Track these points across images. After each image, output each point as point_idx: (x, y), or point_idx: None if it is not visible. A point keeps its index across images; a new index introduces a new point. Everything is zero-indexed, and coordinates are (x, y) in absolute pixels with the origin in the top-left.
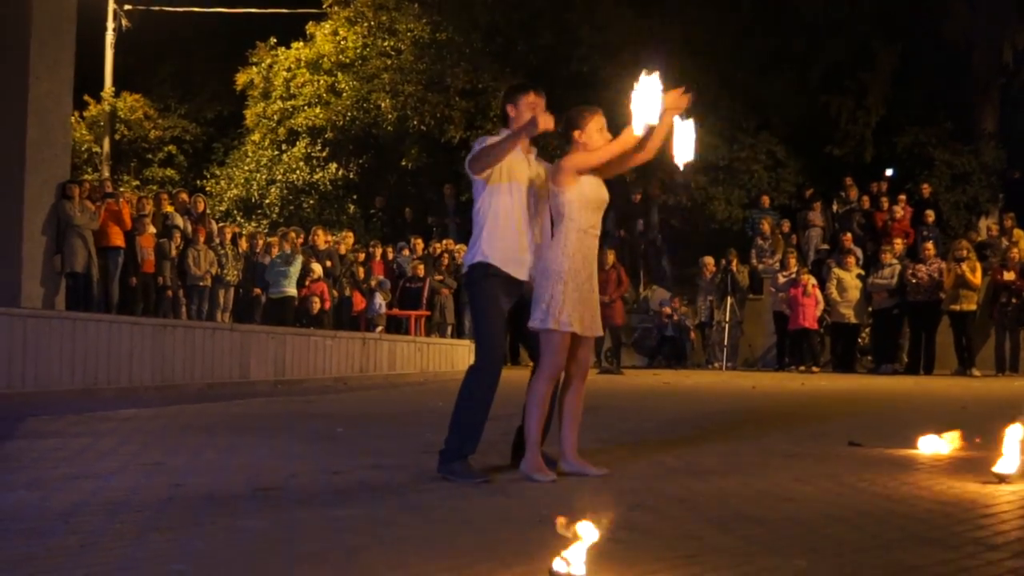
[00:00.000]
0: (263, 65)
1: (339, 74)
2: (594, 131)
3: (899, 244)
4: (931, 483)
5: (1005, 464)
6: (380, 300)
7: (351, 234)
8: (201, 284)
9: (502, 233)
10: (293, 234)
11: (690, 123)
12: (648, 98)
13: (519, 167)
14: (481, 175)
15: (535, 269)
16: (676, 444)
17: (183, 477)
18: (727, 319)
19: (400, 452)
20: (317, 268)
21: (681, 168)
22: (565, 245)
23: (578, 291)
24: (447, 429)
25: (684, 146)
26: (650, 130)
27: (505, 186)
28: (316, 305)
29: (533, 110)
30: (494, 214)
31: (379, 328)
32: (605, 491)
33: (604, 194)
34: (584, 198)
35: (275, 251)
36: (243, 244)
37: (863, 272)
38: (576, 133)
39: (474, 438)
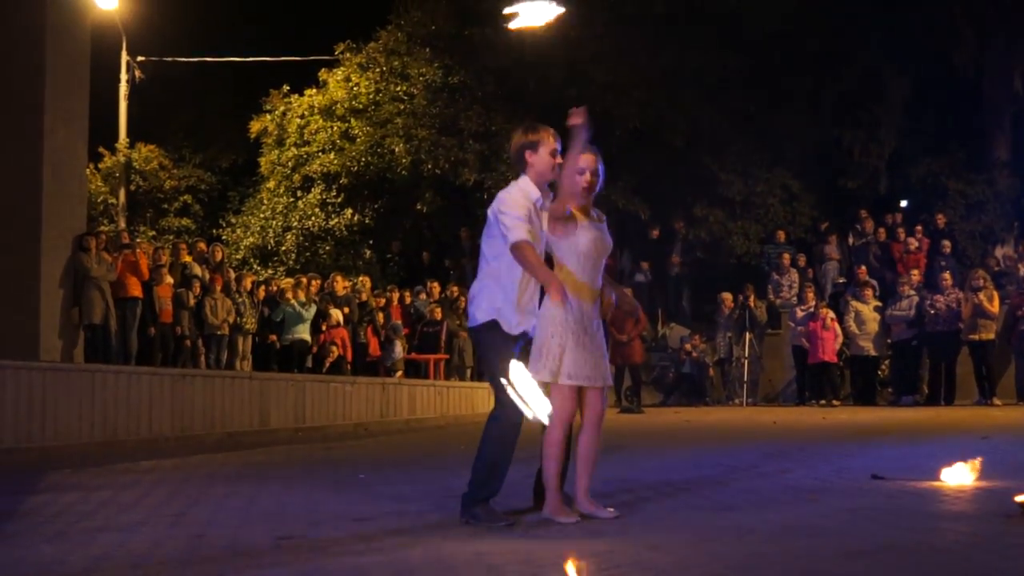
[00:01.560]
0: (276, 113)
1: (352, 120)
2: (545, 154)
3: (916, 275)
4: (955, 515)
5: None
6: (399, 346)
7: (367, 279)
8: (219, 333)
9: (509, 285)
10: (306, 280)
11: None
12: None
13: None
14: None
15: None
16: (698, 482)
17: (205, 528)
18: (746, 355)
19: (423, 497)
20: (336, 314)
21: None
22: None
23: (578, 343)
24: (470, 473)
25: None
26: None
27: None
28: (335, 353)
29: (554, 157)
30: (507, 264)
31: (399, 373)
32: (628, 531)
33: (602, 244)
34: (577, 249)
35: (288, 295)
36: (261, 293)
37: (881, 304)
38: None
39: (497, 483)
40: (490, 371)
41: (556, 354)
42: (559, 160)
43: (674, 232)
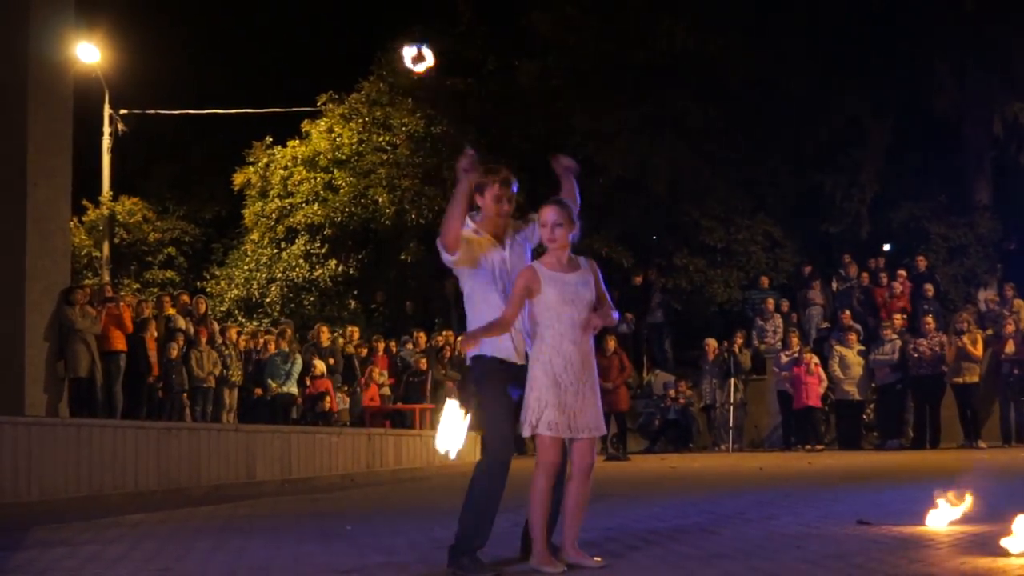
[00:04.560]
0: (260, 164)
1: (335, 170)
2: (489, 200)
3: (899, 319)
4: (941, 561)
5: (1014, 542)
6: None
7: (355, 330)
8: (204, 385)
9: (486, 320)
10: (290, 331)
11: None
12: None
13: (484, 249)
14: (449, 254)
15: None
16: (685, 529)
17: None
18: (731, 401)
19: (409, 548)
20: (320, 365)
21: (441, 453)
22: (541, 351)
23: (562, 395)
24: (456, 523)
25: (450, 436)
26: None
27: (468, 271)
28: (327, 403)
29: (498, 203)
30: (472, 301)
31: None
32: None
33: (579, 295)
34: (549, 305)
35: (272, 348)
36: (242, 342)
37: (864, 348)
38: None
39: (484, 532)
40: (481, 404)
41: (539, 407)
42: (507, 207)
43: (653, 281)
